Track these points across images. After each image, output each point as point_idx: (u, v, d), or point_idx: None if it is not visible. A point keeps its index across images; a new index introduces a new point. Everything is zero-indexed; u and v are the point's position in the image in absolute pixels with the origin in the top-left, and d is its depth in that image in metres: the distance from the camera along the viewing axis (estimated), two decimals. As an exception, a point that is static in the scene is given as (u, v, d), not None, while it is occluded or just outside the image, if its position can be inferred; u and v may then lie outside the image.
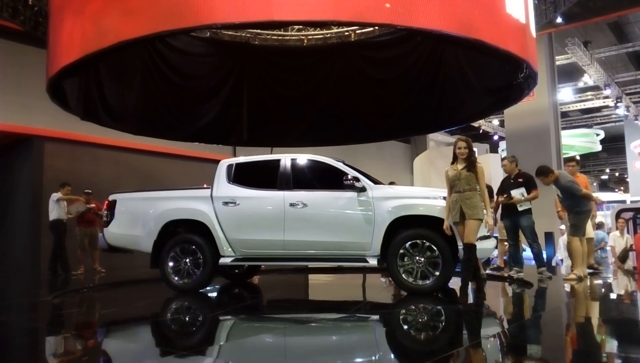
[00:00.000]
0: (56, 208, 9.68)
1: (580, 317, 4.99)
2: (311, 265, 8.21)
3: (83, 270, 9.97)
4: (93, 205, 9.93)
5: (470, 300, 5.63)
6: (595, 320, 4.84)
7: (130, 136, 10.91)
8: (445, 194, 5.59)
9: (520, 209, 7.24)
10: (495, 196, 7.83)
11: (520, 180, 7.42)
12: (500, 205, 7.66)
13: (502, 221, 7.82)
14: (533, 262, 7.79)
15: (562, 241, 13.18)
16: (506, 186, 7.57)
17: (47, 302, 6.59)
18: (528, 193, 7.26)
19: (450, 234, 5.43)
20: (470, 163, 5.36)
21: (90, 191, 10.14)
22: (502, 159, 7.71)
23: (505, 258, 8.40)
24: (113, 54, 7.53)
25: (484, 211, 5.33)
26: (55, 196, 9.73)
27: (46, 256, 10.10)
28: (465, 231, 5.27)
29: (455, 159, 5.47)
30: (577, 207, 7.06)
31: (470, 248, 5.26)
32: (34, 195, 11.20)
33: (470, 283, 5.52)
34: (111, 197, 7.03)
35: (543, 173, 7.15)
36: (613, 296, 6.57)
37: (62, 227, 9.76)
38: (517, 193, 7.23)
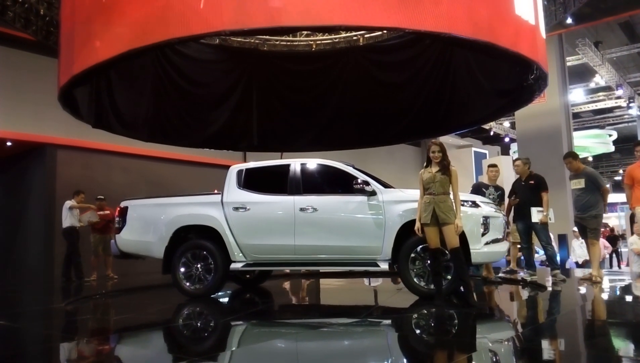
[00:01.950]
0: (69, 216, 9.78)
1: (596, 320, 4.93)
2: (322, 269, 8.20)
3: (96, 276, 10.05)
4: (107, 211, 10.01)
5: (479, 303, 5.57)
6: (610, 323, 4.77)
7: (141, 143, 10.99)
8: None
9: (535, 220, 7.14)
10: (506, 199, 7.76)
11: (532, 182, 7.33)
12: (513, 208, 7.59)
13: (514, 223, 7.75)
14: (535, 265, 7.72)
15: (576, 244, 13.02)
16: (518, 188, 7.50)
17: (61, 309, 6.64)
18: (539, 194, 7.19)
19: (421, 236, 5.38)
20: (444, 167, 5.37)
21: (102, 197, 10.23)
22: (515, 161, 7.63)
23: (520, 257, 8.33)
24: (123, 62, 7.59)
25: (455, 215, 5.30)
26: (68, 203, 9.83)
27: (59, 263, 10.20)
28: (446, 237, 5.24)
29: (429, 162, 5.49)
30: (594, 209, 6.87)
31: (457, 251, 5.25)
32: (47, 203, 11.31)
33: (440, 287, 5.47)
34: (123, 204, 7.08)
35: (573, 155, 7.14)
36: (629, 298, 6.48)
37: (76, 234, 9.86)
38: (536, 215, 7.10)
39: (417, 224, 5.38)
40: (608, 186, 7.34)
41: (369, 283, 8.63)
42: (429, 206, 5.27)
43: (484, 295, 6.70)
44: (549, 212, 7.13)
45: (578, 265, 12.71)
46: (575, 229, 11.56)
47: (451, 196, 5.34)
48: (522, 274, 7.70)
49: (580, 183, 7.00)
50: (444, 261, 5.53)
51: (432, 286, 5.57)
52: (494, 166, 7.95)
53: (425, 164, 5.54)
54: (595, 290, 6.55)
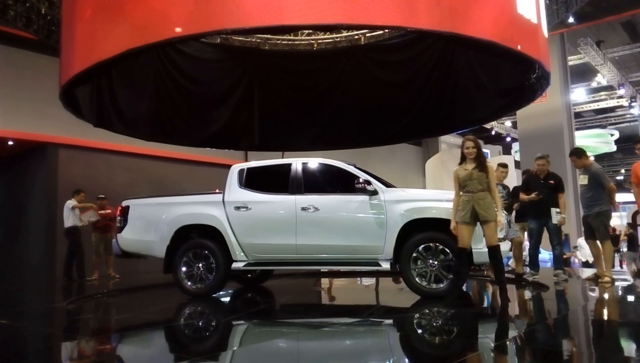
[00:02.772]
0: (71, 215, 9.78)
1: (598, 320, 4.91)
2: (323, 269, 8.20)
3: (97, 275, 10.05)
4: (109, 211, 10.00)
5: (486, 303, 5.57)
6: (612, 323, 4.76)
7: (142, 142, 10.99)
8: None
9: (555, 221, 7.02)
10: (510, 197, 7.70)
11: (552, 182, 7.16)
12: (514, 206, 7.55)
13: (516, 223, 7.73)
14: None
15: (584, 243, 12.90)
16: (537, 186, 7.24)
17: (62, 308, 6.64)
18: (557, 194, 7.12)
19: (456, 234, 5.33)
20: (480, 163, 5.33)
21: (104, 196, 10.22)
22: (540, 158, 7.39)
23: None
24: (125, 61, 7.59)
25: (496, 211, 5.28)
26: (70, 203, 9.82)
27: (61, 262, 10.19)
28: (487, 233, 5.24)
29: (463, 159, 5.44)
30: (597, 206, 6.73)
31: (495, 249, 5.26)
32: (49, 202, 11.30)
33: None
34: (124, 203, 7.08)
35: (577, 153, 7.01)
36: (631, 298, 6.46)
37: (78, 233, 9.86)
38: (555, 217, 7.01)
39: (453, 224, 5.33)
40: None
41: (361, 282, 8.65)
42: (468, 204, 5.22)
43: (487, 295, 6.68)
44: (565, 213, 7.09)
45: (588, 265, 12.63)
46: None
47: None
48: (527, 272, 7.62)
49: (585, 179, 6.90)
50: (447, 261, 5.53)
51: (433, 286, 5.57)
52: (505, 166, 7.84)
53: (459, 161, 5.48)
54: (598, 290, 6.52)
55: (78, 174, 11.39)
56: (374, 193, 5.88)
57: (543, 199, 7.09)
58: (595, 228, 6.81)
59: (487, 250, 5.40)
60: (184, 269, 6.47)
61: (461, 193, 5.36)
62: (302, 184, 6.23)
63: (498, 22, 7.15)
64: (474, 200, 5.22)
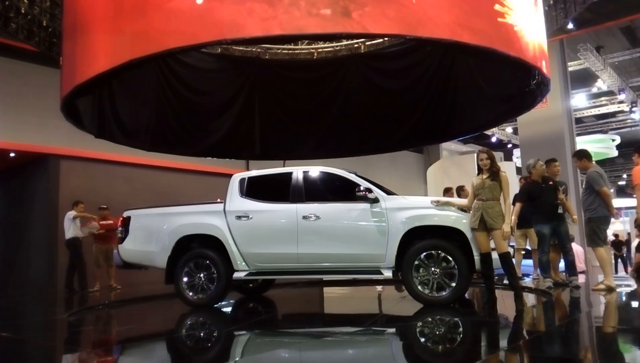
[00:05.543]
0: (72, 226, 9.77)
1: (603, 327, 4.88)
2: (325, 277, 8.18)
3: (99, 286, 10.03)
4: (110, 221, 10.00)
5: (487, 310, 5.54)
6: (617, 330, 4.72)
7: (144, 153, 11.00)
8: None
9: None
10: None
11: (563, 186, 7.22)
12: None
13: (519, 230, 7.70)
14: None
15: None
16: (542, 191, 7.08)
17: (63, 320, 6.62)
18: (566, 195, 7.15)
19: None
20: (493, 173, 5.63)
21: (105, 206, 10.23)
22: (553, 161, 7.34)
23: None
24: (125, 71, 7.61)
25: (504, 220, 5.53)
26: (71, 214, 9.83)
27: (62, 273, 10.18)
28: (495, 242, 5.50)
29: (480, 170, 5.79)
30: (588, 211, 6.60)
31: (506, 256, 5.54)
32: (50, 213, 11.31)
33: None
34: (125, 213, 7.08)
35: (577, 155, 6.98)
36: (635, 304, 6.42)
37: (79, 244, 9.85)
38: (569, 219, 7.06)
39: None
40: (612, 190, 7.16)
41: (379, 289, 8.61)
42: (477, 212, 5.52)
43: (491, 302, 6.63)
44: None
45: None
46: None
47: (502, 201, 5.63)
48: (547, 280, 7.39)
49: (585, 183, 6.86)
50: (449, 269, 5.52)
51: (435, 294, 5.55)
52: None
53: (477, 172, 5.84)
54: (605, 296, 6.47)
55: (79, 185, 11.41)
56: (375, 200, 5.88)
57: (555, 204, 6.98)
58: (587, 234, 6.83)
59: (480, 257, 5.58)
60: (185, 279, 6.45)
61: (475, 200, 5.67)
62: (303, 193, 6.23)
63: (497, 29, 7.16)
64: (483, 208, 5.51)
